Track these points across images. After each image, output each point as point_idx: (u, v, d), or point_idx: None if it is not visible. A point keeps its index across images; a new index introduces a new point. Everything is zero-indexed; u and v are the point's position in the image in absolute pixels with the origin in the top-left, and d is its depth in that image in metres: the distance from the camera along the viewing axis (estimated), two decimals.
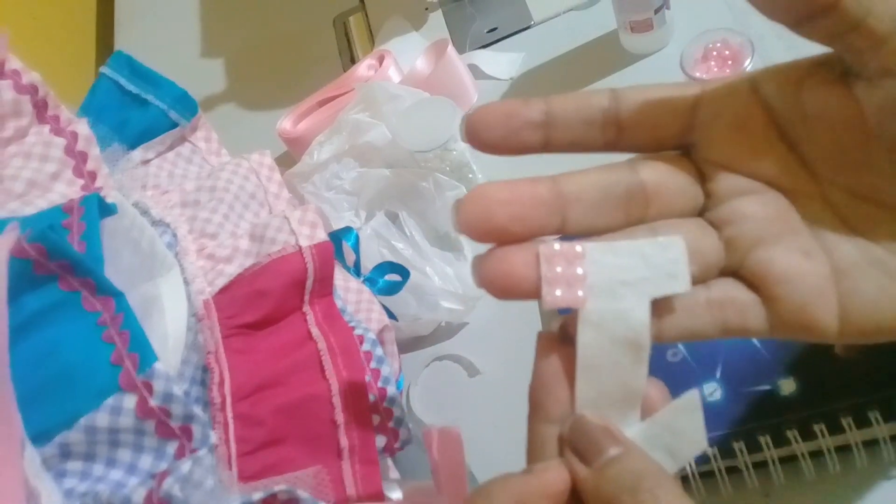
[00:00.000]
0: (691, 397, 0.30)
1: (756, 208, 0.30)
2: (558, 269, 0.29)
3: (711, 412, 0.56)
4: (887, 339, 0.29)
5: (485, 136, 0.32)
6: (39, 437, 0.41)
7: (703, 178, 0.32)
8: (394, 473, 0.56)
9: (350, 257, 0.63)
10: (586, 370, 0.29)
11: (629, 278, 0.29)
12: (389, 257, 0.67)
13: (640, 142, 0.33)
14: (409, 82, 0.80)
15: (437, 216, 0.71)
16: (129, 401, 0.41)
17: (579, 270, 0.29)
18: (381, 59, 0.84)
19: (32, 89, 0.53)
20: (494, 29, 0.88)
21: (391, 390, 0.53)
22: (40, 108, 0.54)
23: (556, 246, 0.29)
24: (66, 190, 0.52)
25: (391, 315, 0.62)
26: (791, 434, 0.53)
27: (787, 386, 0.54)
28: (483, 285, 0.29)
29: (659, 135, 0.32)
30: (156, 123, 0.61)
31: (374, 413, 0.50)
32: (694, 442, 0.30)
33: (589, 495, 0.28)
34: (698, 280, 0.30)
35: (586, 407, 0.30)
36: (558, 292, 0.28)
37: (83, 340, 0.42)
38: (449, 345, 0.70)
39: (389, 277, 0.64)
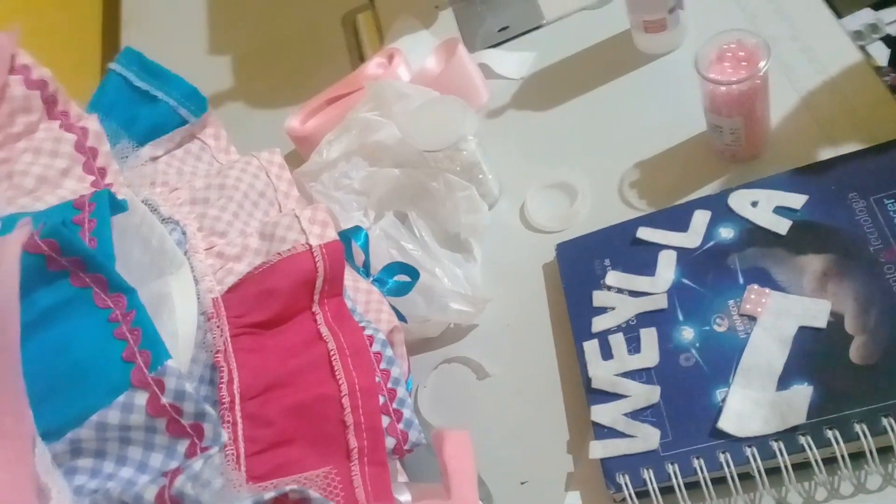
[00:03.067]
0: (806, 389, 0.54)
1: None
2: (752, 297, 0.59)
3: None
4: None
5: None
6: (50, 433, 0.40)
7: None
8: (402, 476, 0.56)
9: (359, 257, 0.62)
10: (752, 349, 0.57)
11: (791, 312, 0.58)
12: (398, 258, 0.67)
13: None
14: (419, 81, 0.80)
15: (447, 217, 0.71)
16: (141, 398, 0.41)
17: (763, 300, 0.59)
18: (390, 58, 0.84)
19: (42, 85, 0.53)
20: (505, 28, 0.88)
21: (401, 391, 0.52)
22: (50, 104, 0.54)
23: (756, 286, 0.60)
24: (76, 186, 0.51)
25: (400, 316, 0.61)
26: (804, 440, 0.52)
27: (802, 392, 0.54)
28: None
29: None
30: (165, 120, 0.61)
31: (383, 414, 0.50)
32: (797, 416, 0.53)
33: None
34: None
35: (746, 370, 0.56)
36: (748, 306, 0.59)
37: (95, 337, 0.42)
38: (458, 347, 0.69)
39: (399, 278, 0.63)
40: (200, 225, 0.55)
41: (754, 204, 0.64)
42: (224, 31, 1.09)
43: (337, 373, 0.49)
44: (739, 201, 0.64)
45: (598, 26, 0.83)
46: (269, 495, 0.39)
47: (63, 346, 0.41)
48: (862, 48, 0.75)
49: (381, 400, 0.51)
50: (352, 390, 0.49)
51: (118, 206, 0.48)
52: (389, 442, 0.50)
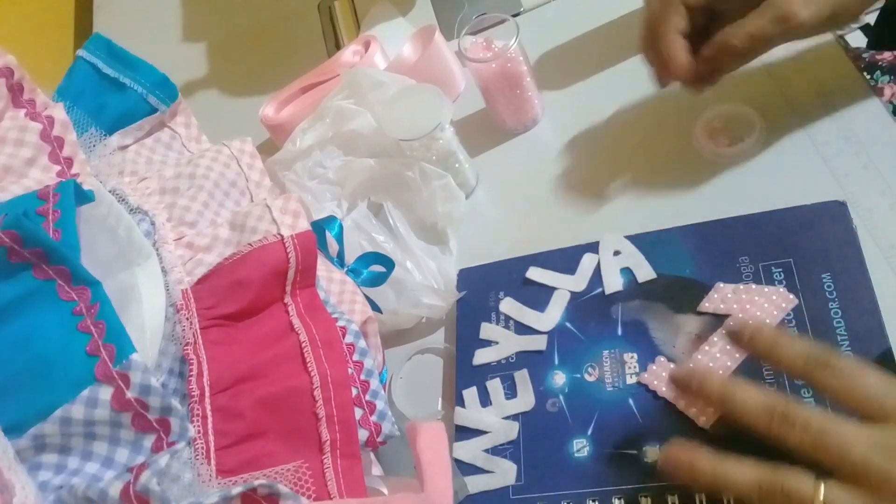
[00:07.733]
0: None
1: None
2: (655, 368, 0.57)
3: (576, 468, 0.55)
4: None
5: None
6: (13, 428, 0.40)
7: None
8: (376, 469, 0.55)
9: (333, 247, 0.62)
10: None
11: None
12: (369, 250, 0.66)
13: None
14: (396, 69, 0.79)
15: (423, 207, 0.70)
16: (105, 392, 0.40)
17: (664, 374, 0.56)
18: (366, 45, 0.83)
19: (7, 72, 0.52)
20: (483, 15, 0.87)
21: (374, 383, 0.52)
22: (15, 92, 0.52)
23: (663, 359, 0.57)
24: (42, 176, 0.50)
25: (375, 307, 0.61)
26: (644, 502, 0.52)
27: (652, 454, 0.54)
28: None
29: None
30: (134, 108, 0.60)
31: (356, 406, 0.50)
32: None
33: None
34: None
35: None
36: (647, 375, 0.57)
37: (58, 330, 0.41)
38: (434, 337, 0.69)
39: (374, 268, 0.63)
40: (170, 215, 0.54)
41: (616, 253, 0.63)
42: (198, 16, 1.07)
43: (309, 365, 0.49)
44: (607, 245, 0.64)
45: (575, 15, 0.82)
46: (237, 490, 0.38)
47: (26, 340, 0.40)
48: (841, 37, 0.75)
49: (354, 392, 0.50)
50: (324, 382, 0.48)
51: (84, 197, 0.47)
52: (362, 434, 0.50)
